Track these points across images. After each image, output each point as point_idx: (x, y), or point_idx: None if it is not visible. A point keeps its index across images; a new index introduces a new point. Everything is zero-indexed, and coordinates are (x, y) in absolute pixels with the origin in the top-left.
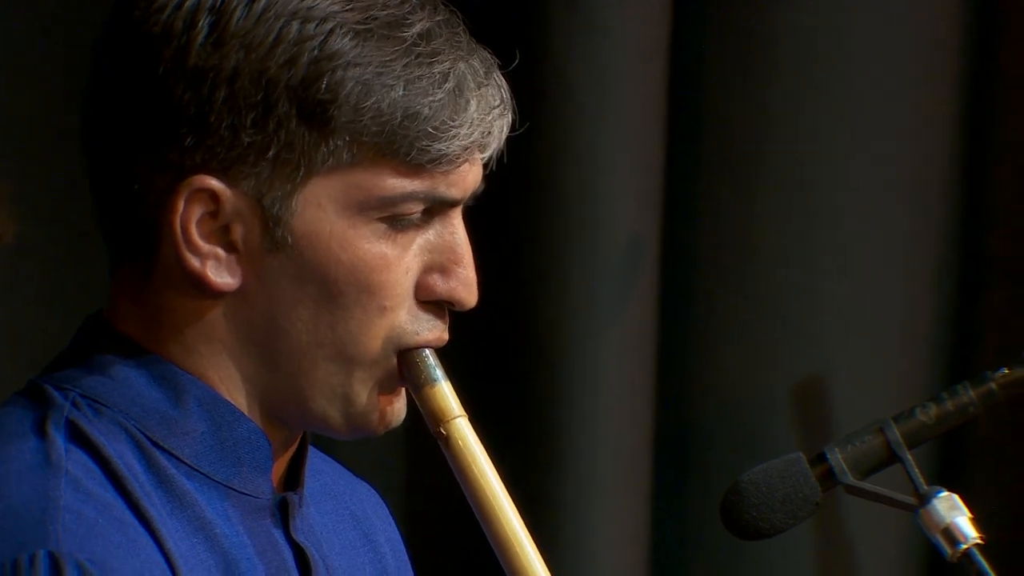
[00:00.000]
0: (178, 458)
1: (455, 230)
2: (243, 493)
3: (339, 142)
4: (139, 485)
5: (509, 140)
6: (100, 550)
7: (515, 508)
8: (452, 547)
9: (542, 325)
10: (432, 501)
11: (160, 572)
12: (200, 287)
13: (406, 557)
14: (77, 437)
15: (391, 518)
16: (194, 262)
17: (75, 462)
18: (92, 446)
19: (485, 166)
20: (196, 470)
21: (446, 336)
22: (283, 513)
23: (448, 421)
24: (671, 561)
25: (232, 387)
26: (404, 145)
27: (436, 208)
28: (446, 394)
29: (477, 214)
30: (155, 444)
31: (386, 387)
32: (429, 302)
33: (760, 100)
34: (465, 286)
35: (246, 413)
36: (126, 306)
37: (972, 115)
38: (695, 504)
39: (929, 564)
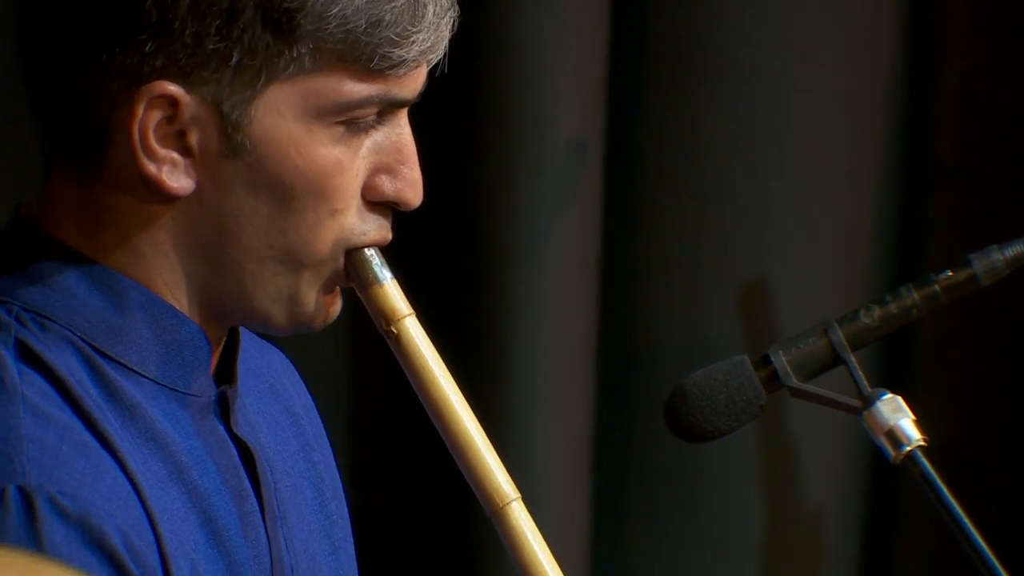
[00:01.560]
0: (125, 366)
1: (402, 131)
2: (188, 394)
3: (302, 49)
4: (93, 403)
5: (453, 41)
6: (68, 479)
7: (467, 404)
8: (398, 447)
9: (487, 226)
10: (377, 403)
11: (126, 494)
12: (154, 191)
13: (319, 419)
14: (28, 358)
15: (301, 382)
16: (150, 167)
17: (30, 385)
18: (44, 366)
19: (433, 67)
20: (143, 376)
21: (390, 235)
22: (223, 408)
23: (398, 320)
24: (615, 464)
25: (175, 290)
26: (367, 52)
27: (387, 109)
28: (394, 294)
29: (422, 116)
30: (102, 354)
31: (330, 287)
32: (376, 202)
33: (704, 1)
34: (411, 186)
35: (188, 314)
36: (62, 209)
37: (915, 20)
38: (639, 407)
39: (873, 466)
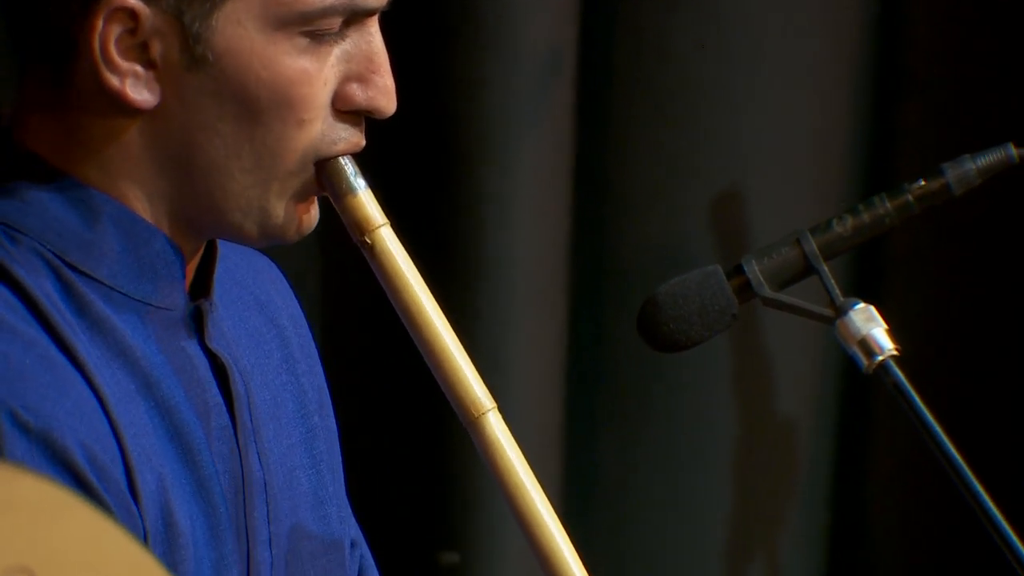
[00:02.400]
0: (96, 279)
1: (372, 39)
2: (160, 307)
3: None
4: (61, 317)
5: None
6: (32, 395)
7: (442, 315)
8: (374, 358)
9: (460, 135)
10: (352, 314)
11: (91, 408)
12: (118, 105)
13: (307, 330)
14: None
15: (291, 293)
16: (113, 80)
17: None
18: (12, 280)
19: None
20: (113, 289)
21: (363, 142)
22: (197, 322)
23: (372, 230)
24: (587, 373)
25: (147, 204)
26: None
27: (353, 18)
28: (368, 203)
29: (393, 23)
30: (72, 268)
31: (302, 197)
32: (347, 112)
33: None
34: (384, 94)
35: (159, 227)
36: (36, 120)
37: None
38: (612, 317)
39: (845, 376)
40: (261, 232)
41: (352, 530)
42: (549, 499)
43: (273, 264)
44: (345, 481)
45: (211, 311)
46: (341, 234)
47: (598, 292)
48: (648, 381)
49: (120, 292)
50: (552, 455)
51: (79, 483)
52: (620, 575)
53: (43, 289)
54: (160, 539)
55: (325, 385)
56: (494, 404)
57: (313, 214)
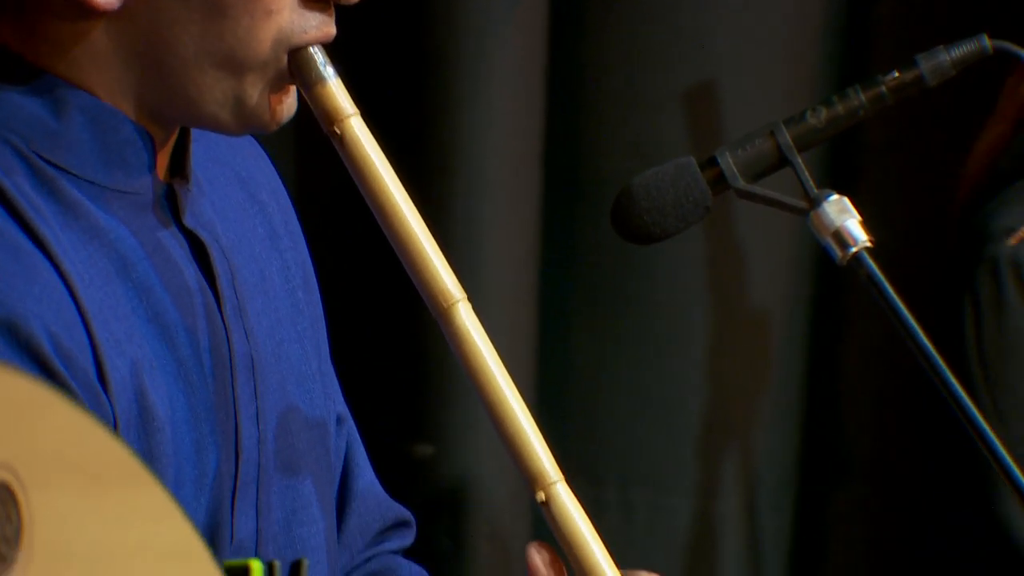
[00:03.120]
0: (64, 169)
1: None
2: (130, 192)
3: None
4: (29, 204)
5: None
6: None
7: (412, 206)
8: (344, 250)
9: (433, 28)
10: (323, 206)
11: (59, 296)
12: (82, 7)
13: (290, 205)
14: None
15: (272, 169)
16: None
17: None
18: None
19: None
20: (82, 178)
21: (333, 30)
22: (172, 203)
23: (342, 120)
24: (560, 266)
25: (117, 97)
26: None
27: None
28: (338, 93)
29: None
30: (41, 158)
31: (276, 86)
32: (314, 0)
33: None
34: None
35: (128, 116)
36: (5, 21)
37: None
38: (585, 209)
39: (819, 267)
40: (239, 123)
41: (339, 406)
42: (522, 391)
43: (254, 140)
44: (331, 357)
45: (187, 192)
46: (314, 125)
47: (572, 183)
48: (622, 273)
49: (89, 181)
50: (525, 348)
51: (45, 371)
52: (595, 465)
53: (11, 177)
54: (134, 424)
55: (309, 260)
56: (464, 295)
57: (288, 103)
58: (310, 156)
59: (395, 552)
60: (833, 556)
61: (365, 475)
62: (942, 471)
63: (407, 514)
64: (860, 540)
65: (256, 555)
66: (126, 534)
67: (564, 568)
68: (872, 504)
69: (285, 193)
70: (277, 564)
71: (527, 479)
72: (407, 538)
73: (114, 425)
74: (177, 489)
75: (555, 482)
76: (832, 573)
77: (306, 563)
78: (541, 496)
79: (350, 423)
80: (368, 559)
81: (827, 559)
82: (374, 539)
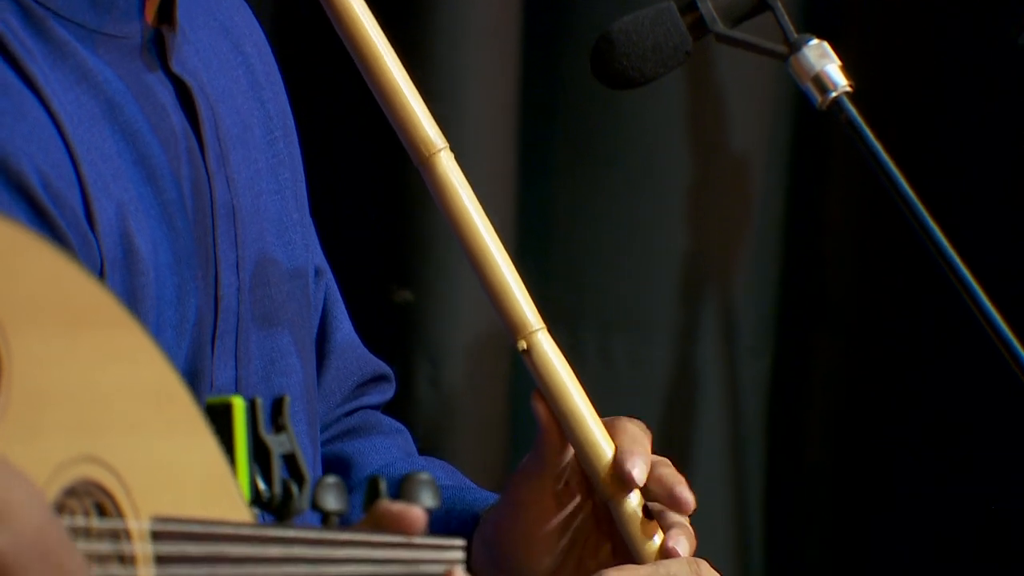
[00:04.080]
0: (54, 11)
1: None
2: (118, 36)
3: None
4: (19, 42)
5: None
6: None
7: (393, 53)
8: (324, 96)
9: None
10: (303, 54)
11: (48, 134)
12: None
13: (271, 56)
14: None
15: (254, 20)
16: None
17: None
18: None
19: None
20: (71, 21)
21: None
22: (159, 49)
23: None
24: (540, 112)
25: None
26: None
27: None
28: None
29: None
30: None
31: None
32: None
33: None
34: None
35: None
36: None
37: None
38: (564, 54)
39: (798, 112)
40: None
41: (317, 258)
42: (503, 240)
43: None
44: (311, 210)
45: (174, 37)
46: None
47: (552, 27)
48: (602, 120)
49: (78, 23)
50: (506, 196)
51: (34, 209)
52: (575, 312)
53: (2, 16)
54: (119, 265)
55: (289, 111)
56: (446, 144)
57: None
58: (290, 5)
59: (374, 407)
60: (813, 402)
61: (343, 328)
62: (922, 316)
63: (386, 369)
64: (840, 385)
65: None
66: (105, 376)
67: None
68: (852, 350)
69: (267, 44)
70: (259, 401)
71: (508, 328)
72: (387, 393)
73: (100, 265)
74: (158, 333)
75: (536, 330)
76: (812, 420)
77: (288, 400)
78: (523, 345)
79: (329, 276)
80: (347, 413)
81: (808, 405)
82: (352, 393)
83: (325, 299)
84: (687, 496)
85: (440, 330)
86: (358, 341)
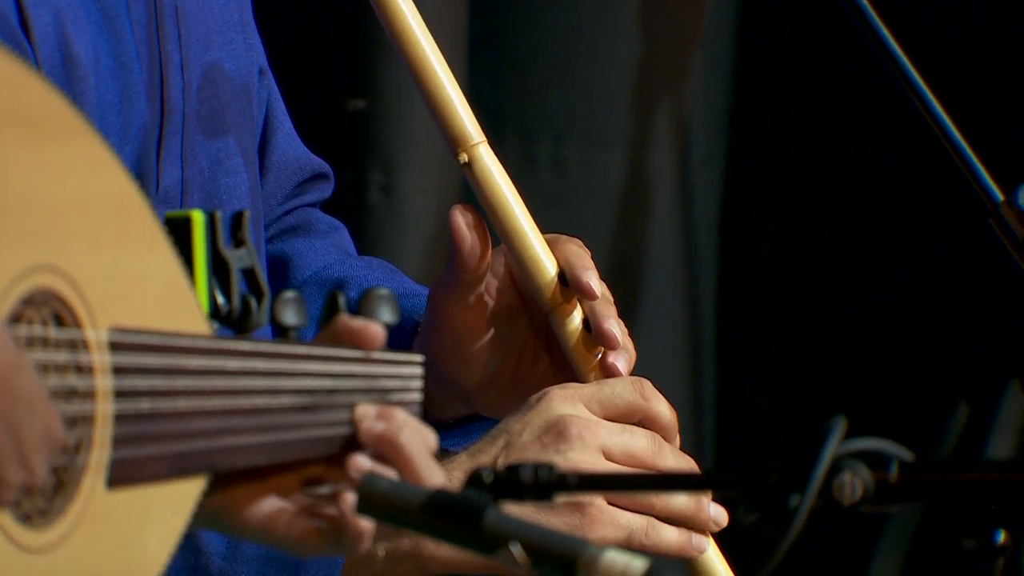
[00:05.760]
0: None
1: None
2: None
3: None
4: None
5: None
6: None
7: None
8: None
9: None
10: None
11: None
12: None
13: None
14: None
15: None
16: None
17: None
18: None
19: None
20: None
21: None
22: None
23: None
24: None
25: None
26: None
27: None
28: None
29: None
30: None
31: None
32: None
33: None
34: None
35: None
36: None
37: None
38: None
39: None
40: None
41: (260, 59)
42: (454, 51)
43: None
44: (253, 8)
45: None
46: None
47: None
48: None
49: None
50: (457, 9)
51: None
52: (527, 122)
53: None
54: (57, 72)
55: None
56: None
57: None
58: None
59: (313, 205)
60: (764, 208)
61: (284, 128)
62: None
63: (325, 167)
64: (791, 192)
65: (182, 204)
66: (65, 187)
67: (487, 231)
68: (804, 157)
69: None
70: (219, 215)
71: (449, 140)
72: (325, 191)
73: None
74: None
75: (478, 143)
76: (764, 226)
77: (248, 214)
78: (464, 157)
79: (270, 77)
80: (287, 212)
81: (760, 211)
82: (293, 192)
83: (268, 98)
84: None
85: (392, 138)
86: (299, 140)
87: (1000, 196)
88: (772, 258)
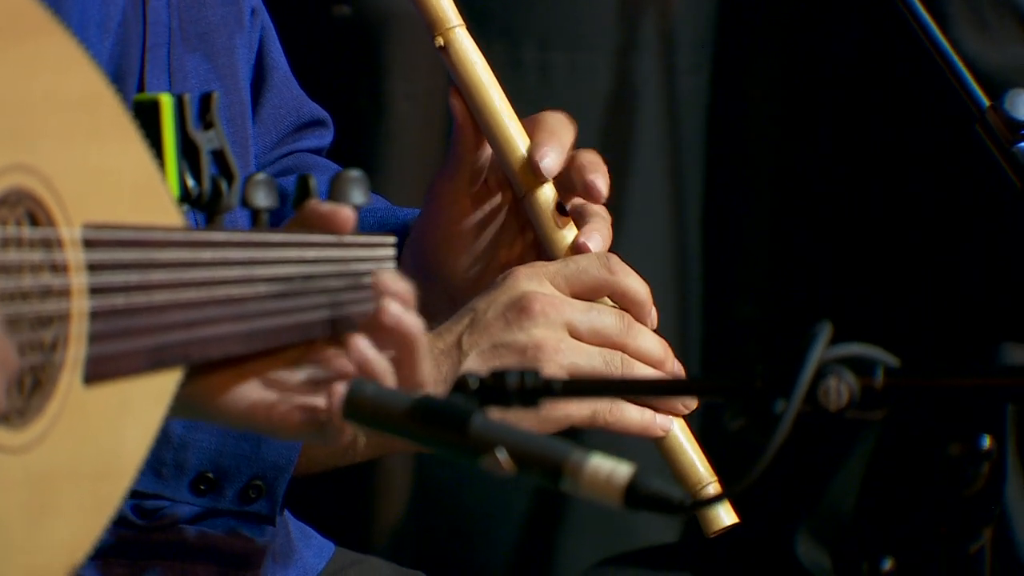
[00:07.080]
0: None
1: None
2: None
3: None
4: None
5: None
6: None
7: None
8: None
9: None
10: None
11: None
12: None
13: None
14: None
15: None
16: None
17: None
18: None
19: None
20: None
21: None
22: None
23: None
24: None
25: None
26: None
27: None
28: None
29: None
30: None
31: None
32: None
33: None
34: None
35: None
36: None
37: None
38: None
39: None
40: None
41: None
42: None
43: None
44: None
45: None
46: None
47: None
48: None
49: None
50: None
51: None
52: (514, 29)
53: None
54: None
55: None
56: None
57: None
58: None
59: (311, 151)
60: (751, 114)
61: (280, 67)
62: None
63: (323, 113)
64: (777, 98)
65: None
66: (34, 84)
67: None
68: (788, 65)
69: None
70: (187, 97)
71: (426, 24)
72: (324, 138)
73: None
74: (81, 30)
75: (455, 27)
76: (750, 133)
77: (216, 96)
78: (440, 41)
79: (264, 16)
80: (284, 155)
81: (746, 117)
82: (290, 135)
83: (261, 38)
84: (600, 184)
85: (377, 44)
86: (295, 81)
87: (986, 102)
88: (758, 163)
